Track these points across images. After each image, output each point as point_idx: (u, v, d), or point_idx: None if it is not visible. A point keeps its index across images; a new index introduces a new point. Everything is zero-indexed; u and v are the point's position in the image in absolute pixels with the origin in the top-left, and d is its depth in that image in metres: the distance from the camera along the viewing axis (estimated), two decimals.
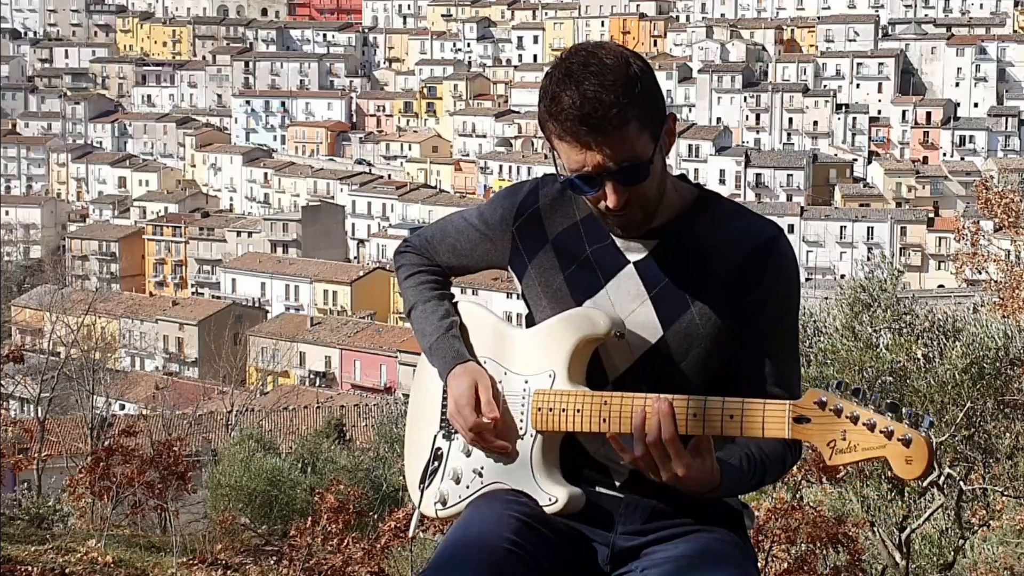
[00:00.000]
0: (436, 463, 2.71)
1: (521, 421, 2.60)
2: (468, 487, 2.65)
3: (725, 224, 2.59)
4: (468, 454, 2.68)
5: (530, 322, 2.70)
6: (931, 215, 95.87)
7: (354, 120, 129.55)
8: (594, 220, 2.61)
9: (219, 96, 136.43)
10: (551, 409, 2.56)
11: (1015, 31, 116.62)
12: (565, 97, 2.41)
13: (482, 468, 2.64)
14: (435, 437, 2.74)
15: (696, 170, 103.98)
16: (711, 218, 2.59)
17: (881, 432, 2.30)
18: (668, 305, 2.56)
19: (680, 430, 2.42)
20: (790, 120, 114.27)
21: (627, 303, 2.58)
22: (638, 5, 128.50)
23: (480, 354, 2.70)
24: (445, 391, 2.70)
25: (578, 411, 2.52)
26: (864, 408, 2.32)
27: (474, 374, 2.63)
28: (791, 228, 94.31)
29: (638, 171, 2.45)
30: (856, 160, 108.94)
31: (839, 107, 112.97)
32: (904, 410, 2.30)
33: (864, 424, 2.31)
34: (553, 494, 2.56)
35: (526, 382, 2.61)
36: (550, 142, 2.49)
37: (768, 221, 2.62)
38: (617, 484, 2.61)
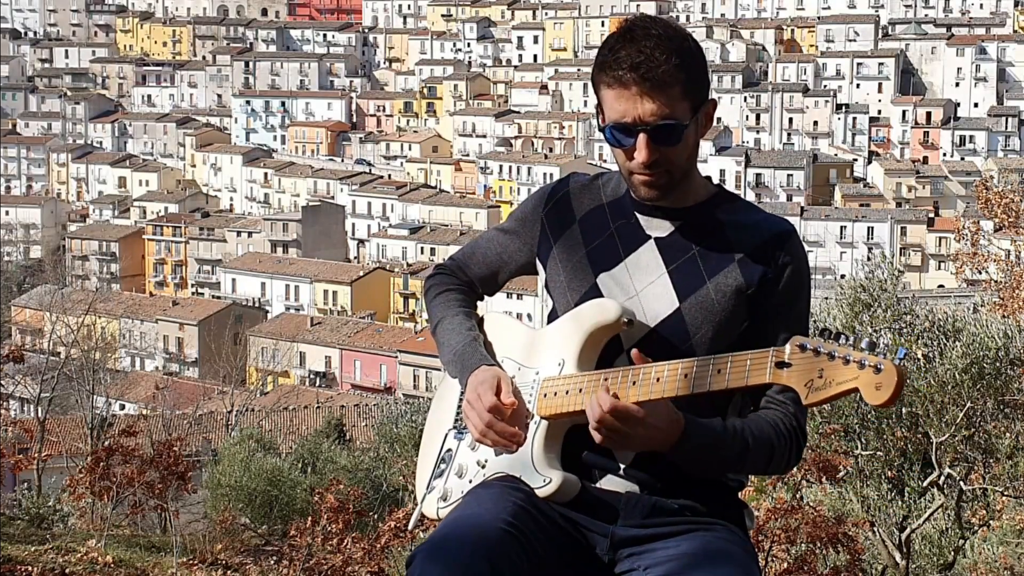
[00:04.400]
0: (444, 464, 2.76)
1: (528, 410, 2.65)
2: (471, 481, 2.69)
3: (744, 214, 2.70)
4: (474, 448, 2.71)
5: (552, 317, 2.76)
6: (931, 215, 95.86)
7: (354, 120, 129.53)
8: (621, 201, 2.72)
9: (219, 96, 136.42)
10: (555, 393, 2.61)
11: (1015, 31, 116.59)
12: (623, 50, 2.57)
13: (486, 460, 2.68)
14: (446, 437, 2.79)
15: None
16: (731, 208, 2.70)
17: (855, 363, 2.33)
18: (685, 279, 2.64)
19: (670, 392, 2.49)
20: (790, 120, 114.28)
21: (645, 276, 2.66)
22: (638, 5, 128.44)
23: (501, 354, 2.76)
24: (462, 394, 2.74)
25: (580, 390, 2.58)
26: (843, 347, 2.35)
27: (496, 371, 2.68)
28: None
29: (672, 132, 2.57)
30: (856, 160, 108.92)
31: (839, 107, 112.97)
32: (882, 344, 2.33)
33: (840, 358, 2.34)
34: (547, 475, 2.59)
35: (537, 373, 2.67)
36: (597, 94, 2.62)
37: (784, 219, 2.73)
38: (622, 469, 2.63)
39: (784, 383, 2.40)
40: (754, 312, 2.63)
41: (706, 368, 2.47)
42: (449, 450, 2.76)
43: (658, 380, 2.49)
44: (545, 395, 2.62)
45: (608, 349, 2.64)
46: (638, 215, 2.69)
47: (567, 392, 2.59)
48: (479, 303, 2.96)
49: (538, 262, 2.80)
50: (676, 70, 2.54)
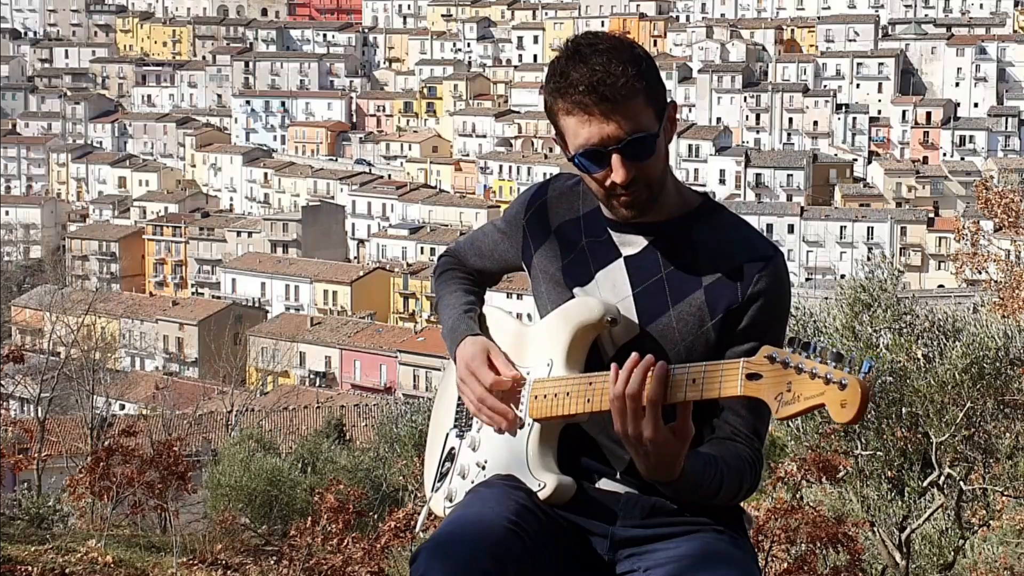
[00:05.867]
0: (448, 463, 2.77)
1: (521, 411, 2.64)
2: (473, 482, 2.70)
3: (724, 232, 2.61)
4: (475, 449, 2.72)
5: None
6: (931, 215, 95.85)
7: (354, 120, 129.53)
8: (596, 215, 2.65)
9: (219, 96, 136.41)
10: (545, 396, 2.60)
11: (1015, 31, 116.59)
12: (574, 72, 2.46)
13: (485, 461, 2.69)
14: (447, 436, 2.80)
15: (696, 170, 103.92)
16: (711, 224, 2.61)
17: (821, 379, 2.29)
18: (649, 304, 2.59)
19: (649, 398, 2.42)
20: (790, 120, 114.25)
21: (611, 296, 2.61)
22: (638, 5, 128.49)
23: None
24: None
25: (568, 394, 2.56)
26: (810, 359, 2.31)
27: (484, 343, 2.69)
28: (791, 228, 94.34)
29: (645, 144, 2.48)
30: (856, 160, 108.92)
31: (839, 107, 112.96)
32: (847, 357, 2.29)
33: (807, 373, 2.31)
34: (543, 479, 2.59)
35: (527, 373, 2.66)
36: (556, 124, 2.52)
37: (770, 242, 2.61)
38: (618, 474, 2.62)
39: (755, 395, 2.36)
40: (718, 344, 2.56)
41: (683, 377, 2.42)
42: (452, 449, 2.77)
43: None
44: (536, 397, 2.61)
45: (595, 356, 2.62)
46: (611, 232, 2.63)
47: (556, 395, 2.58)
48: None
49: (524, 266, 2.79)
50: (635, 80, 2.45)
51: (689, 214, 2.62)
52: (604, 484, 2.64)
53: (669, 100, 2.54)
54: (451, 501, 2.72)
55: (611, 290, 2.61)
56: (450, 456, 2.77)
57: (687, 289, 2.57)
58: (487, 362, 2.64)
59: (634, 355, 2.43)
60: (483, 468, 2.68)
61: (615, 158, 2.47)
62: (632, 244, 2.62)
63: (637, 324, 2.59)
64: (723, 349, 2.56)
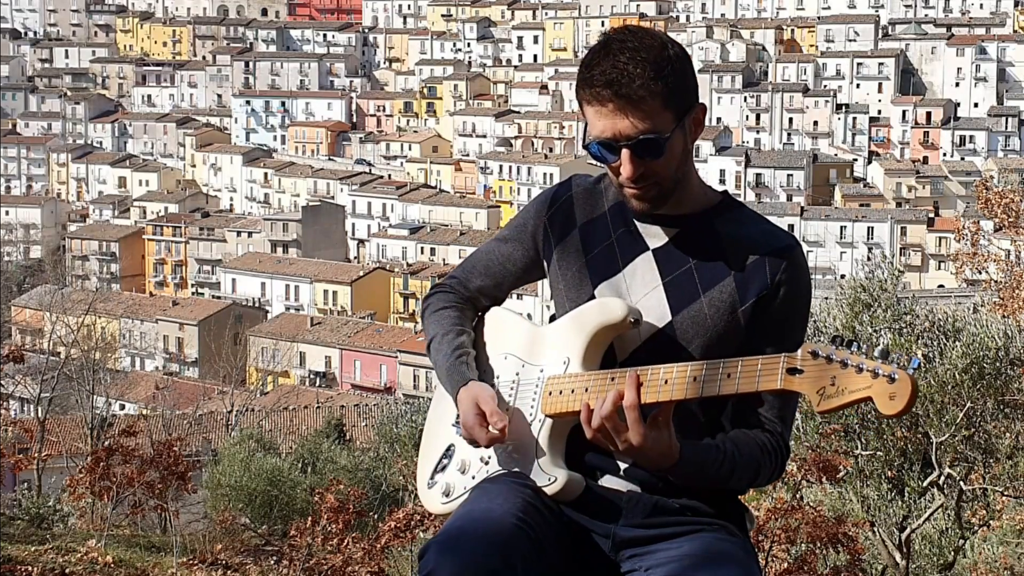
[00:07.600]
0: (446, 460, 2.77)
1: (532, 407, 2.66)
2: (474, 477, 2.70)
3: (746, 225, 2.68)
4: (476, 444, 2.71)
5: (554, 319, 2.77)
6: (931, 215, 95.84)
7: (354, 120, 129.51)
8: (621, 208, 2.71)
9: (219, 96, 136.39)
10: (560, 392, 2.62)
11: (1015, 31, 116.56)
12: (599, 66, 2.55)
13: (489, 456, 2.69)
14: (448, 431, 2.80)
15: (696, 170, 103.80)
16: (733, 217, 2.69)
17: (868, 372, 2.33)
18: (680, 292, 2.63)
19: (678, 395, 2.48)
20: (790, 120, 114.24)
21: (640, 287, 2.65)
22: (638, 5, 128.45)
23: (504, 351, 2.77)
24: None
25: (586, 390, 2.58)
26: (855, 355, 2.36)
27: (475, 391, 2.67)
28: (791, 228, 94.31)
29: (654, 145, 2.54)
30: (856, 160, 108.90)
31: (839, 107, 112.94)
32: (894, 354, 2.33)
33: (853, 367, 2.35)
34: (552, 474, 2.60)
35: (541, 371, 2.68)
36: (581, 109, 2.62)
37: (790, 234, 2.69)
38: (622, 470, 2.63)
39: (796, 389, 2.41)
40: (747, 330, 2.61)
41: (716, 372, 2.47)
42: (451, 444, 2.77)
43: (666, 382, 2.49)
44: (550, 393, 2.63)
45: (608, 358, 2.64)
46: (637, 223, 2.69)
47: (572, 391, 2.59)
48: (488, 310, 2.93)
49: (545, 264, 2.80)
50: (652, 83, 2.51)
51: (711, 209, 2.69)
52: (607, 481, 2.64)
53: (700, 103, 2.61)
54: (447, 496, 2.72)
55: (640, 282, 2.65)
56: (448, 452, 2.77)
57: (716, 277, 2.63)
58: (480, 418, 2.63)
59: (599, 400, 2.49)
60: (486, 463, 2.69)
61: (624, 153, 2.55)
62: (658, 236, 2.67)
63: (668, 313, 2.62)
64: (751, 335, 2.61)
